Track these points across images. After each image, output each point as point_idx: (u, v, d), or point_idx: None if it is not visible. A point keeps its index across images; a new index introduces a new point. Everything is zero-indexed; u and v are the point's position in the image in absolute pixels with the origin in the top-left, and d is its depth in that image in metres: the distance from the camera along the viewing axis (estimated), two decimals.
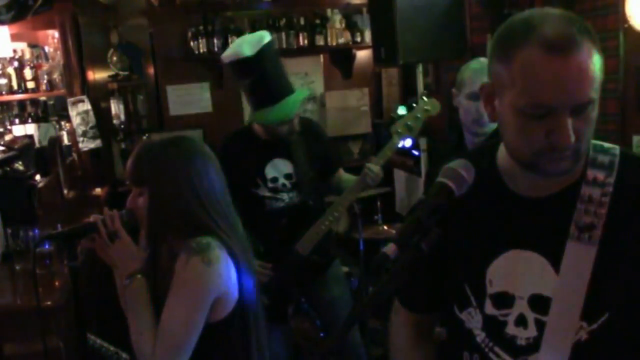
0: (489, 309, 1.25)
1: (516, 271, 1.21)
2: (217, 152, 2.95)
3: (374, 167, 2.76)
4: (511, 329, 1.22)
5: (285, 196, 2.92)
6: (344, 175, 3.11)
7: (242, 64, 2.67)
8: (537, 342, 1.19)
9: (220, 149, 2.96)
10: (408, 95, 5.08)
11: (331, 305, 3.05)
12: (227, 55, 2.75)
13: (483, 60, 2.38)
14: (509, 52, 1.11)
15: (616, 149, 1.21)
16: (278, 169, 2.91)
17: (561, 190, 1.19)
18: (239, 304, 1.72)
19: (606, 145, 1.22)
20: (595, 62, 1.08)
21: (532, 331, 1.20)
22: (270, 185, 2.91)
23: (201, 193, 1.71)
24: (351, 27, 5.26)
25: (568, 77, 1.07)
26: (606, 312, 1.15)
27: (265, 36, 2.73)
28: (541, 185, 1.20)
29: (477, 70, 2.35)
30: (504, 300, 1.23)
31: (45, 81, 5.04)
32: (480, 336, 1.27)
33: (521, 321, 1.21)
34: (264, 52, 2.66)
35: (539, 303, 1.19)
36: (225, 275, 1.66)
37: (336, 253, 3.18)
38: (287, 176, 2.92)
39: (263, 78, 2.67)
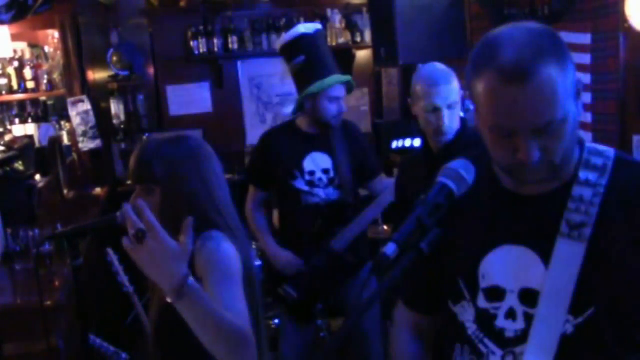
0: (482, 302, 1.28)
1: (508, 265, 1.25)
2: (259, 142, 3.07)
3: None
4: (501, 322, 1.25)
5: (321, 192, 2.94)
6: (386, 180, 3.12)
7: (300, 41, 2.91)
8: (525, 334, 1.21)
9: (263, 138, 3.08)
10: (408, 96, 5.08)
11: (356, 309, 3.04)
12: (286, 36, 2.99)
13: (432, 69, 2.35)
14: (476, 74, 1.16)
15: (611, 152, 1.24)
16: (316, 162, 2.95)
17: (554, 189, 1.23)
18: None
19: (601, 148, 1.26)
20: (558, 84, 1.10)
21: (520, 324, 1.23)
22: (307, 178, 2.94)
23: (212, 191, 1.71)
24: (351, 27, 5.27)
25: (523, 104, 1.10)
26: (592, 306, 1.17)
27: (317, 25, 3.08)
28: (534, 184, 1.23)
29: (427, 85, 2.30)
30: (496, 293, 1.26)
31: (45, 81, 5.05)
32: (471, 328, 1.30)
33: (511, 314, 1.24)
34: (318, 32, 2.96)
35: (529, 296, 1.22)
36: (237, 259, 1.66)
37: (368, 255, 3.19)
38: (325, 171, 2.95)
39: (319, 53, 2.91)
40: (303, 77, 2.92)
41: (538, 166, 1.15)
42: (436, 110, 2.28)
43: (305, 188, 2.93)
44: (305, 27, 2.95)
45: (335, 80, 2.87)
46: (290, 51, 2.96)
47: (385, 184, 3.04)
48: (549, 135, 1.13)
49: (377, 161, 3.29)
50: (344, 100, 2.94)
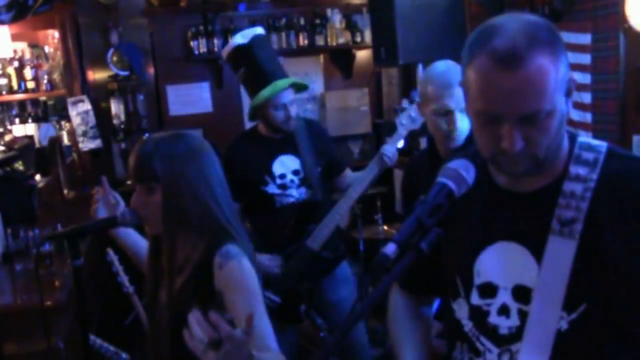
0: (475, 299, 1.29)
1: (501, 262, 1.25)
2: (224, 154, 3.02)
3: (390, 148, 2.79)
4: (493, 319, 1.26)
5: (294, 192, 2.95)
6: (351, 174, 3.13)
7: (237, 53, 2.89)
8: (519, 332, 1.22)
9: (227, 150, 3.04)
10: (404, 96, 5.08)
11: (338, 307, 3.04)
12: (225, 48, 2.97)
13: (444, 68, 2.20)
14: (469, 58, 1.17)
15: (603, 146, 1.24)
16: (285, 165, 2.95)
17: (545, 185, 1.23)
18: None
19: (594, 142, 1.25)
20: (549, 75, 1.11)
21: (514, 320, 1.23)
22: (278, 181, 2.94)
23: (213, 188, 1.71)
24: (351, 27, 5.27)
25: (512, 90, 1.11)
26: (585, 302, 1.18)
27: (257, 29, 2.98)
28: (525, 180, 1.24)
29: (440, 86, 2.14)
30: (488, 290, 1.27)
31: (45, 81, 5.05)
32: (467, 326, 1.31)
33: (503, 311, 1.24)
34: (255, 41, 2.89)
35: (522, 293, 1.22)
36: (254, 274, 1.68)
37: (345, 252, 3.18)
38: (295, 172, 2.96)
39: (256, 63, 2.86)
40: (248, 87, 2.94)
41: (520, 157, 1.15)
42: (448, 113, 2.14)
43: (278, 191, 2.93)
44: (242, 36, 2.91)
45: (277, 88, 2.82)
46: (231, 63, 2.97)
47: (353, 178, 3.06)
48: (535, 126, 1.13)
49: (342, 157, 3.31)
50: (294, 102, 2.90)
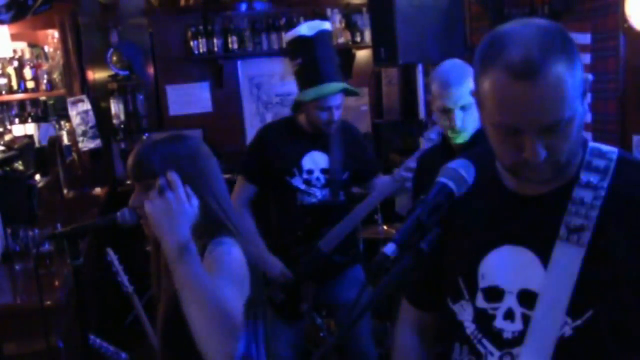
0: (480, 302, 1.27)
1: (507, 266, 1.24)
2: (256, 136, 3.02)
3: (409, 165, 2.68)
4: (499, 323, 1.24)
5: (317, 193, 2.92)
6: (383, 179, 3.09)
7: (298, 43, 2.86)
8: (522, 336, 1.21)
9: (261, 133, 3.02)
10: (408, 95, 5.09)
11: (346, 308, 3.03)
12: (289, 33, 2.97)
13: (447, 68, 2.29)
14: (483, 70, 1.15)
15: (614, 153, 1.22)
16: (316, 161, 2.92)
17: (555, 189, 1.21)
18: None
19: (605, 149, 1.23)
20: (567, 82, 1.09)
21: (518, 325, 1.22)
22: (305, 177, 2.91)
23: (212, 186, 1.71)
24: (351, 27, 5.27)
25: (530, 102, 1.08)
26: (591, 309, 1.17)
27: (325, 24, 2.98)
28: (535, 184, 1.22)
29: (441, 86, 2.26)
30: (495, 294, 1.25)
31: (45, 81, 5.05)
32: (470, 328, 1.29)
33: (509, 315, 1.23)
34: (320, 36, 2.85)
35: (527, 298, 1.21)
36: (245, 267, 1.66)
37: (359, 257, 3.16)
38: (324, 171, 2.93)
39: (314, 59, 2.83)
40: (300, 80, 2.91)
41: (543, 166, 1.13)
42: (448, 111, 2.24)
43: (302, 187, 2.91)
44: (308, 28, 2.86)
45: (326, 92, 2.79)
46: (290, 51, 2.96)
47: (379, 184, 3.02)
48: (556, 134, 1.11)
49: (376, 161, 3.23)
50: (340, 107, 2.86)
